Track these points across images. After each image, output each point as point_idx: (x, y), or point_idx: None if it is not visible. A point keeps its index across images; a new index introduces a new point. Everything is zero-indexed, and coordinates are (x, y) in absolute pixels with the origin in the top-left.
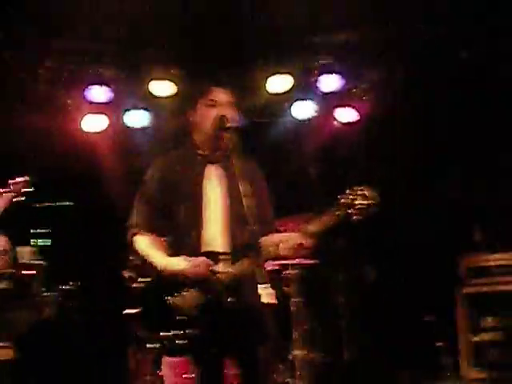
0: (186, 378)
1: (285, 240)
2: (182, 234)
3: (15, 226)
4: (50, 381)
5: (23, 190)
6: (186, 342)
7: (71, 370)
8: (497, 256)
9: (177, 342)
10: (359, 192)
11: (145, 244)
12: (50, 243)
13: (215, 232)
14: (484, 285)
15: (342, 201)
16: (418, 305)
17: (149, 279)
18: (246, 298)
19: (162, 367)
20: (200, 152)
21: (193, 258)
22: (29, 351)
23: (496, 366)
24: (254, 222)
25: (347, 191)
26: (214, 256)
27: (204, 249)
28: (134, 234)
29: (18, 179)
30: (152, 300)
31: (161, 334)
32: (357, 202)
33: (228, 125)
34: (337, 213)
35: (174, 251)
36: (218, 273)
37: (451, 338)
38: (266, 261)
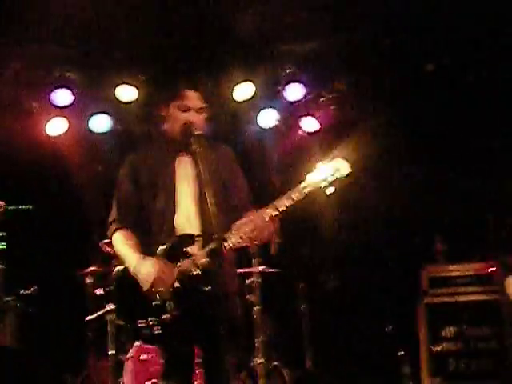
0: None
1: (249, 221)
2: (158, 223)
3: None
4: None
5: None
6: (160, 329)
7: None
8: (458, 266)
9: (154, 328)
10: (332, 163)
11: (121, 242)
12: (5, 247)
13: (188, 216)
14: (445, 295)
15: (313, 175)
16: (380, 314)
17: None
18: (221, 284)
19: (124, 375)
20: (171, 145)
21: (163, 264)
22: None
23: (456, 375)
24: (223, 210)
25: (317, 164)
26: (188, 238)
27: (178, 232)
28: (114, 231)
29: None
30: (127, 287)
31: (138, 321)
32: (329, 173)
33: (195, 132)
34: (306, 189)
35: (147, 240)
36: (193, 255)
37: (412, 347)
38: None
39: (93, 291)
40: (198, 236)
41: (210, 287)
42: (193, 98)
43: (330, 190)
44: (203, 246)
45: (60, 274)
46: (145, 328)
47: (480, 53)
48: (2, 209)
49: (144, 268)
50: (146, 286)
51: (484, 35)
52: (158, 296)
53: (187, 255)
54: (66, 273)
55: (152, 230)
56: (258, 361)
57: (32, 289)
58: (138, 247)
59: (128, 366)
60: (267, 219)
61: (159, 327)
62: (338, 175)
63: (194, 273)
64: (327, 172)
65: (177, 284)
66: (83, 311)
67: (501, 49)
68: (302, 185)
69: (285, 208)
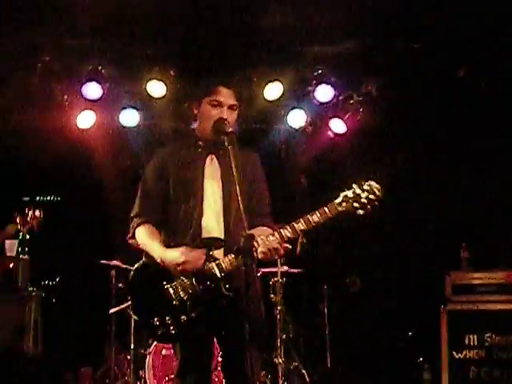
0: (168, 380)
1: (261, 243)
2: (184, 222)
3: None
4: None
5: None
6: (176, 329)
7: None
8: (482, 274)
9: (170, 328)
10: (365, 186)
11: (145, 235)
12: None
13: (215, 218)
14: (468, 302)
15: (347, 193)
16: (402, 319)
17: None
18: (242, 290)
19: (146, 368)
20: (200, 143)
21: (190, 250)
22: None
23: (477, 383)
24: (248, 213)
25: (353, 184)
26: (215, 241)
27: (205, 235)
28: (137, 225)
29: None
30: (145, 286)
31: (154, 319)
32: (363, 196)
33: (228, 129)
34: (341, 207)
35: (172, 240)
36: (218, 259)
37: (433, 353)
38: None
39: (116, 284)
40: (223, 241)
41: (231, 292)
42: (226, 94)
43: (361, 211)
44: (227, 250)
45: (84, 265)
46: (160, 326)
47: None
48: (37, 220)
49: (171, 253)
50: (175, 269)
51: None
52: (178, 296)
53: (212, 259)
54: (90, 265)
55: (178, 229)
56: (279, 360)
57: (56, 279)
58: (161, 238)
59: (149, 361)
60: (274, 246)
61: (175, 327)
62: (371, 198)
63: (218, 275)
64: (361, 194)
65: (199, 286)
66: (106, 304)
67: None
68: (337, 201)
69: (315, 224)
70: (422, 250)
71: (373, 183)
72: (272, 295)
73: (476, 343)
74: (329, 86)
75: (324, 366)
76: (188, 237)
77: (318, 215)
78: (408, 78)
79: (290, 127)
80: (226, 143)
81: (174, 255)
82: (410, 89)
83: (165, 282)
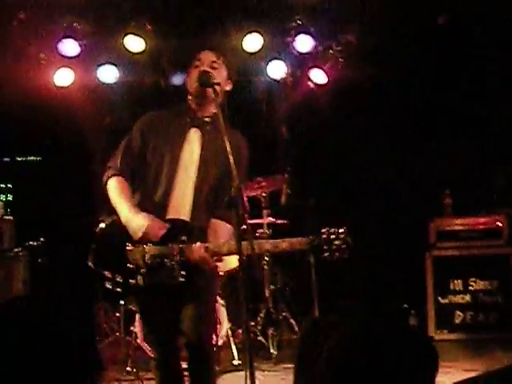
0: None
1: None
2: (153, 191)
3: None
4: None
5: None
6: (124, 289)
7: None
8: (465, 220)
9: (117, 285)
10: (339, 234)
11: (115, 191)
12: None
13: (184, 198)
14: (452, 248)
15: (323, 235)
16: (387, 266)
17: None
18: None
19: (135, 323)
20: (188, 117)
21: (153, 220)
22: None
23: (462, 327)
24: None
25: (327, 229)
26: (179, 225)
27: (171, 212)
28: (110, 177)
29: None
30: (109, 241)
31: (106, 272)
32: (335, 242)
33: (212, 81)
34: (309, 244)
35: (143, 205)
36: (183, 243)
37: (419, 300)
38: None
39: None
40: (188, 224)
41: (183, 279)
42: (205, 54)
43: (329, 257)
44: (190, 234)
45: (69, 224)
46: (110, 280)
47: None
48: None
49: (135, 220)
50: (136, 236)
51: None
52: (135, 259)
53: (178, 242)
54: (74, 223)
55: (149, 196)
56: (268, 311)
57: (40, 240)
58: (131, 197)
59: (138, 316)
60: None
61: (123, 287)
62: (337, 243)
63: (178, 258)
64: (336, 241)
65: (156, 259)
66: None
67: None
68: (309, 240)
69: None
70: (405, 197)
71: (345, 233)
72: None
73: (461, 288)
74: (308, 36)
75: (312, 315)
76: (155, 207)
77: (287, 244)
78: (388, 27)
79: (271, 78)
80: (212, 113)
81: (137, 222)
82: (390, 37)
83: (128, 243)
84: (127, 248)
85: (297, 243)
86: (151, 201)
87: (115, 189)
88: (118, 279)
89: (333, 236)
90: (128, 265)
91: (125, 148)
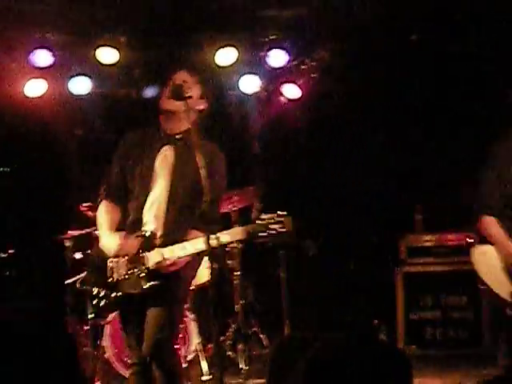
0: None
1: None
2: (130, 211)
3: None
4: None
5: None
6: (106, 303)
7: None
8: (435, 236)
9: (101, 301)
10: (277, 218)
11: (100, 214)
12: None
13: (158, 211)
14: (423, 264)
15: (259, 222)
16: (358, 282)
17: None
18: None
19: (104, 337)
20: (161, 134)
21: (127, 237)
22: None
23: (432, 344)
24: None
25: (267, 215)
26: (148, 238)
27: (146, 225)
28: (100, 201)
29: None
30: (95, 261)
31: (94, 290)
32: (271, 227)
33: (184, 94)
34: (249, 229)
35: (123, 224)
36: (151, 251)
37: (389, 315)
38: None
39: (72, 255)
40: (159, 237)
41: (155, 282)
42: (181, 74)
43: (265, 241)
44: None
45: (38, 237)
46: (96, 297)
47: None
48: None
49: (108, 240)
50: (110, 254)
51: None
52: (122, 261)
53: (147, 250)
54: (44, 236)
55: (128, 215)
56: (238, 326)
57: (7, 252)
58: (113, 222)
59: (107, 330)
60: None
61: (105, 302)
62: (274, 227)
63: (148, 265)
64: (274, 225)
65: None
66: (62, 276)
67: None
68: (250, 227)
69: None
70: (375, 212)
71: (285, 217)
72: (229, 261)
73: (431, 304)
74: (282, 51)
75: (282, 330)
76: (129, 225)
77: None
78: (362, 44)
79: (243, 93)
80: (185, 129)
81: (110, 242)
82: (364, 54)
83: (110, 259)
84: (108, 264)
85: (236, 234)
86: (129, 220)
87: (100, 213)
88: (101, 294)
89: (271, 221)
90: (109, 279)
91: (110, 172)
